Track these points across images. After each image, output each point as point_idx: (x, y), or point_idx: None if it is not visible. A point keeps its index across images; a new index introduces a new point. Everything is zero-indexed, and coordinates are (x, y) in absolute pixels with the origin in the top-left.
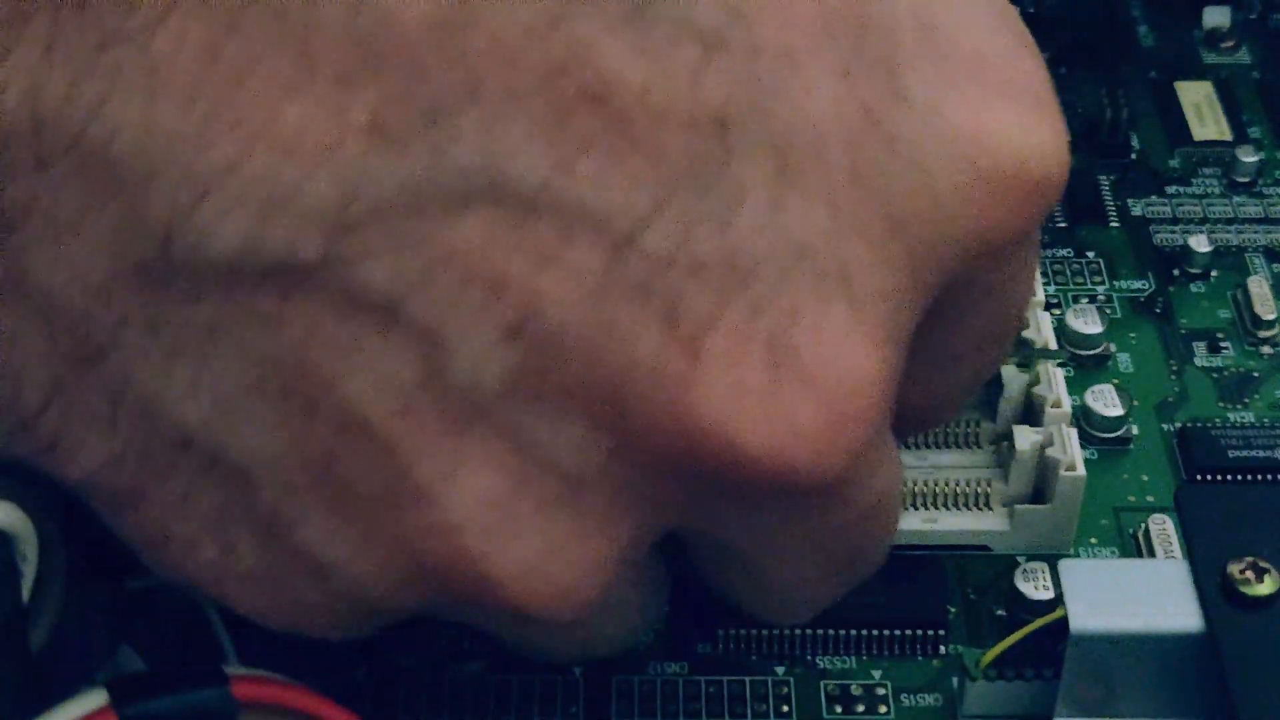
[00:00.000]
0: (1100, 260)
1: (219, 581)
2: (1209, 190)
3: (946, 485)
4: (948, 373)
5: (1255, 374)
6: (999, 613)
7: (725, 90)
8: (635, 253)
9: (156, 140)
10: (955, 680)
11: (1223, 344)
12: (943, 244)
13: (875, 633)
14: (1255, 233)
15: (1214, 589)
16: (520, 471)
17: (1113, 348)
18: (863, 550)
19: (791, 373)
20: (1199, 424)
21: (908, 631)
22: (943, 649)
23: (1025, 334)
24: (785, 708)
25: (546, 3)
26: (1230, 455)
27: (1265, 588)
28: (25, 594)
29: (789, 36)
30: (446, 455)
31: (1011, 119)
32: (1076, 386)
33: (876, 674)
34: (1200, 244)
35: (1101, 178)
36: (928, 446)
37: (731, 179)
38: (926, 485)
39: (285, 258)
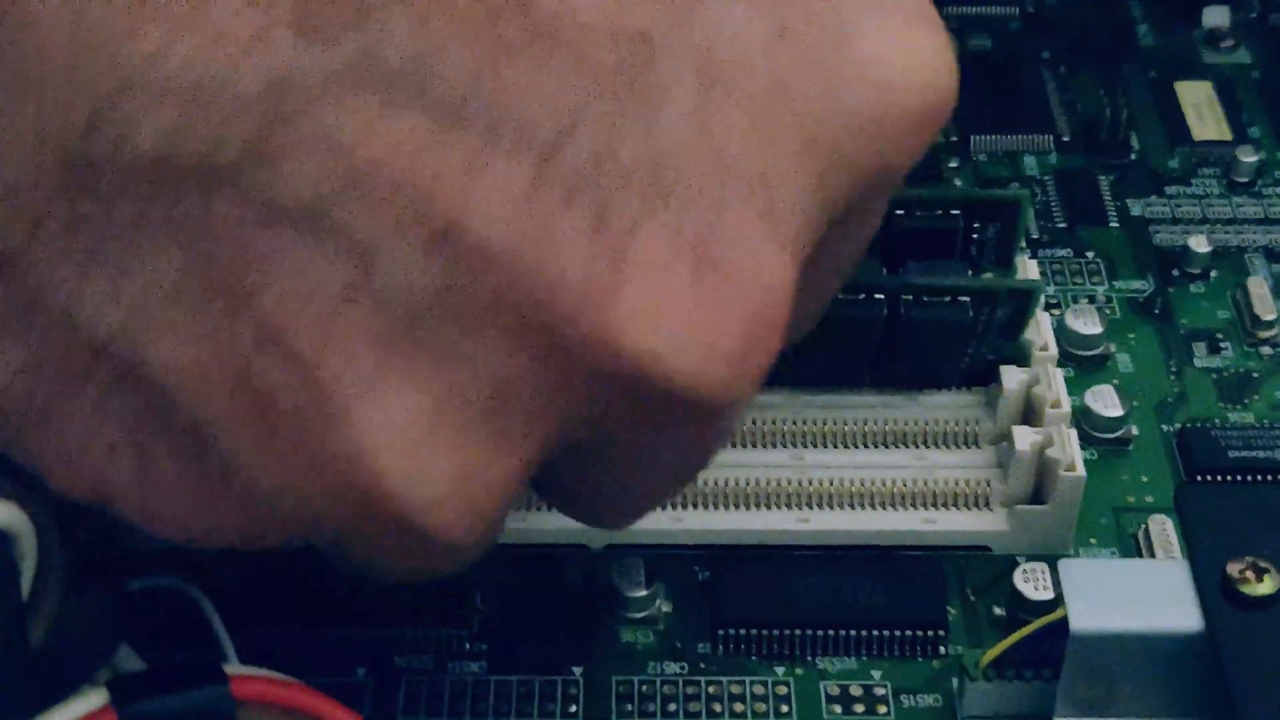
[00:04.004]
0: (1100, 260)
1: (132, 494)
2: (1208, 190)
3: (946, 485)
4: (803, 307)
5: (1255, 374)
6: (999, 613)
7: (649, 9)
8: (560, 159)
9: (80, 28)
10: (955, 681)
11: (1222, 344)
12: (850, 164)
13: (875, 633)
14: (1255, 233)
15: (1214, 589)
16: (442, 390)
17: (1112, 348)
18: (704, 462)
19: (715, 289)
20: (1199, 424)
21: (908, 632)
22: (943, 649)
23: (1026, 334)
24: (785, 708)
25: None
26: (1230, 455)
27: (1265, 588)
28: (25, 593)
29: None
30: (367, 373)
31: (909, 46)
32: (1076, 387)
33: (876, 674)
34: (1200, 244)
35: (1101, 178)
36: (928, 446)
37: (654, 86)
38: (926, 485)
39: (210, 153)
